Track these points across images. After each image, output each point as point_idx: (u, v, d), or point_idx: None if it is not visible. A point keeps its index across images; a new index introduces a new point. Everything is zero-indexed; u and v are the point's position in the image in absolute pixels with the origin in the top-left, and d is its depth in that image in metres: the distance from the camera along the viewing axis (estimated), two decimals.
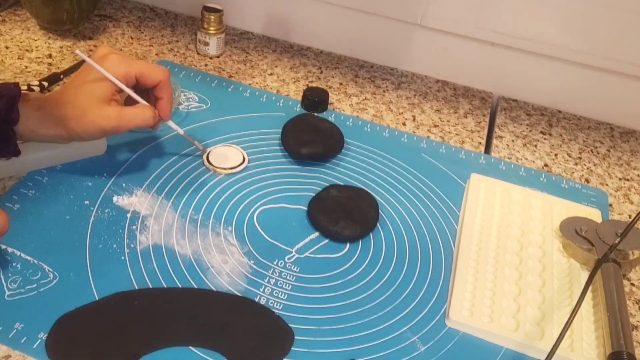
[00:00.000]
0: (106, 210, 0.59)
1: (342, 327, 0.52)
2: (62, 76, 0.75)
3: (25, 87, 0.69)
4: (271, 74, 0.85)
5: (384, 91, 0.86)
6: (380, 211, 0.63)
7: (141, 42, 0.87)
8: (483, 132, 0.80)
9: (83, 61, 0.57)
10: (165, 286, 0.53)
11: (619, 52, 0.80)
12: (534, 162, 0.77)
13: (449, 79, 0.90)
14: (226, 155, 0.67)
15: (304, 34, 0.93)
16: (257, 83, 0.82)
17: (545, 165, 0.77)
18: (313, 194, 0.64)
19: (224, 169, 0.66)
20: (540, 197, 0.68)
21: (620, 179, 0.76)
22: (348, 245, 0.60)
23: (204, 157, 0.67)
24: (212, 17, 0.83)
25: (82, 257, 0.54)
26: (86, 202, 0.60)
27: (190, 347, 0.48)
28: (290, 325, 0.52)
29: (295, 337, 0.51)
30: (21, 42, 0.82)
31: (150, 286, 0.53)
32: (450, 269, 0.60)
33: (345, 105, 0.81)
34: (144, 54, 0.85)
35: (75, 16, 0.83)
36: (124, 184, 0.62)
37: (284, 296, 0.54)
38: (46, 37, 0.85)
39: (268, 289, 0.55)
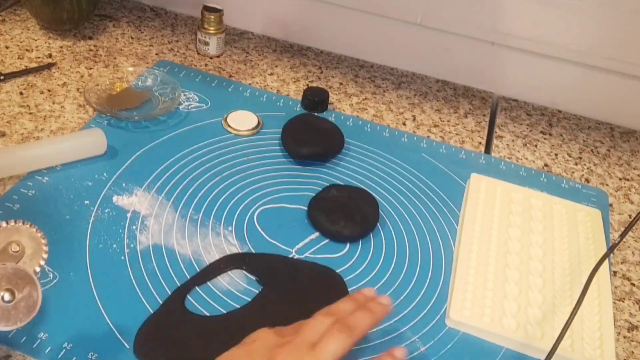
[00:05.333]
0: (106, 210, 0.59)
1: None
2: (1, 76, 0.74)
3: None
4: (271, 74, 0.85)
5: (384, 91, 0.86)
6: (380, 211, 0.63)
7: (141, 42, 0.87)
8: (483, 132, 0.80)
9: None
10: (166, 287, 0.53)
11: (619, 52, 0.80)
12: (534, 162, 0.77)
13: (449, 79, 0.90)
14: (242, 119, 0.72)
15: (304, 34, 0.93)
16: (257, 83, 0.82)
17: (546, 165, 0.77)
18: (313, 194, 0.64)
19: (242, 130, 0.71)
20: (540, 197, 0.68)
21: (620, 179, 0.76)
22: (348, 245, 0.60)
23: (223, 120, 0.72)
24: (212, 17, 0.83)
25: (82, 257, 0.54)
26: (86, 202, 0.60)
27: None
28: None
29: None
30: (21, 42, 0.82)
31: (151, 287, 0.53)
32: (450, 269, 0.60)
33: (345, 105, 0.81)
34: (144, 54, 0.85)
35: (75, 16, 0.83)
36: (124, 184, 0.62)
37: None
38: (46, 37, 0.85)
39: None
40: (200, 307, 0.52)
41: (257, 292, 0.54)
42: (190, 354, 0.48)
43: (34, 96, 0.73)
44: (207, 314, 0.51)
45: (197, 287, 0.53)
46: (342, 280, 0.56)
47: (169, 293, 0.52)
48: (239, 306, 0.52)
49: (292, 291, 0.54)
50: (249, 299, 0.53)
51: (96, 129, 0.66)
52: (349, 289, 0.55)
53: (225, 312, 0.52)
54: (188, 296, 0.52)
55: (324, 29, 0.91)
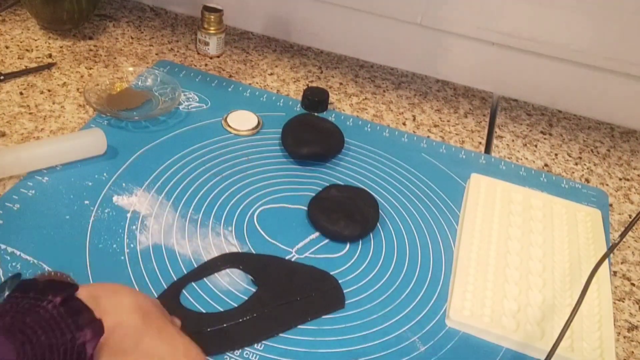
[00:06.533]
0: (106, 210, 0.59)
1: (342, 327, 0.52)
2: (1, 76, 0.74)
3: None
4: (271, 74, 0.85)
5: (384, 91, 0.86)
6: (380, 211, 0.63)
7: (141, 42, 0.87)
8: (483, 132, 0.80)
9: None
10: (165, 286, 0.53)
11: (619, 52, 0.80)
12: (534, 162, 0.77)
13: (449, 79, 0.90)
14: (242, 119, 0.73)
15: (304, 34, 0.93)
16: (257, 83, 0.82)
17: (546, 165, 0.77)
18: (313, 194, 0.64)
19: (242, 130, 0.71)
20: (540, 197, 0.68)
21: (620, 179, 0.76)
22: (348, 245, 0.60)
23: (223, 120, 0.72)
24: (212, 17, 0.83)
25: (82, 257, 0.54)
26: (86, 202, 0.60)
27: None
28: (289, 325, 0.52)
29: (295, 337, 0.51)
30: (21, 42, 0.82)
31: (151, 287, 0.53)
32: (450, 269, 0.60)
33: (345, 105, 0.81)
34: (144, 54, 0.85)
35: (76, 16, 0.83)
36: (124, 184, 0.62)
37: None
38: (46, 37, 0.85)
39: None
40: (197, 305, 0.52)
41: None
42: None
43: (34, 96, 0.73)
44: (204, 311, 0.51)
45: (195, 285, 0.53)
46: (338, 285, 0.55)
47: None
48: (236, 305, 0.52)
49: (287, 293, 0.54)
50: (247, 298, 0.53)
51: (96, 129, 0.66)
52: (349, 289, 0.56)
53: (221, 310, 0.52)
54: (186, 293, 0.52)
55: (324, 29, 0.91)
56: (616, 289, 0.61)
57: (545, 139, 0.81)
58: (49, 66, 0.78)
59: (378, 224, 0.62)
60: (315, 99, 0.77)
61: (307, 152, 0.68)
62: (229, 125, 0.72)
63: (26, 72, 0.76)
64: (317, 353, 0.50)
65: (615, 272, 0.63)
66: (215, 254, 0.57)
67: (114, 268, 0.54)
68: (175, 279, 0.54)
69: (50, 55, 0.81)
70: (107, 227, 0.57)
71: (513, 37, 0.83)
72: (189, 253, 0.56)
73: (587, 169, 0.77)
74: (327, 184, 0.65)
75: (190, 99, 0.76)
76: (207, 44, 0.85)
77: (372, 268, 0.58)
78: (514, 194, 0.68)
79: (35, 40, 0.84)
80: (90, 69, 0.80)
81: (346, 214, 0.61)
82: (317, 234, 0.61)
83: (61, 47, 0.83)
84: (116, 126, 0.70)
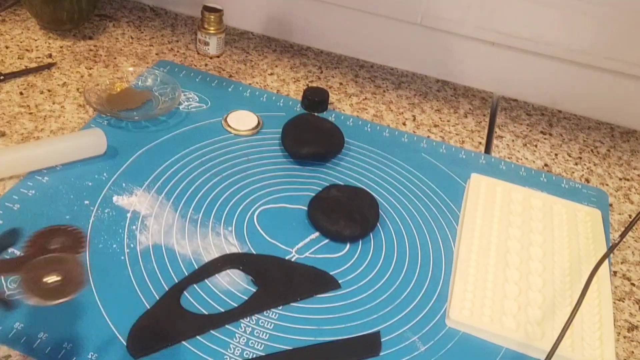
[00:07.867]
0: (106, 210, 0.59)
1: (342, 327, 0.52)
2: (1, 76, 0.74)
3: None
4: (271, 74, 0.85)
5: (384, 91, 0.86)
6: (380, 211, 0.63)
7: (141, 42, 0.87)
8: (483, 132, 0.80)
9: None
10: (166, 288, 0.53)
11: (619, 52, 0.80)
12: (534, 162, 0.77)
13: (449, 79, 0.90)
14: (242, 119, 0.73)
15: (304, 34, 0.93)
16: (257, 83, 0.82)
17: (546, 165, 0.77)
18: (313, 194, 0.64)
19: (242, 130, 0.71)
20: (540, 197, 0.68)
21: (620, 179, 0.76)
22: (348, 245, 0.60)
23: (223, 120, 0.72)
24: (212, 17, 0.83)
25: (82, 257, 0.54)
26: (86, 202, 0.60)
27: None
28: (289, 325, 0.52)
29: (295, 337, 0.51)
30: (21, 42, 0.82)
31: (150, 286, 0.53)
32: (450, 268, 0.60)
33: (345, 105, 0.81)
34: (144, 54, 0.85)
35: (75, 16, 0.83)
36: (124, 184, 0.62)
37: None
38: (46, 37, 0.85)
39: None
40: (198, 306, 0.52)
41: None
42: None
43: (34, 96, 0.73)
44: (205, 312, 0.51)
45: (196, 286, 0.53)
46: (338, 285, 0.56)
47: None
48: (236, 305, 0.52)
49: (287, 293, 0.54)
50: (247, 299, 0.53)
51: (96, 129, 0.66)
52: (349, 289, 0.56)
53: (222, 310, 0.52)
54: (187, 294, 0.52)
55: (324, 29, 0.91)
56: (616, 289, 0.61)
57: (545, 139, 0.81)
58: (49, 66, 0.78)
59: (378, 224, 0.62)
60: (315, 99, 0.77)
61: (307, 152, 0.68)
62: (229, 125, 0.72)
63: (26, 72, 0.76)
64: None
65: (615, 272, 0.63)
66: (215, 253, 0.57)
67: (114, 268, 0.54)
68: (175, 279, 0.54)
69: (50, 55, 0.81)
70: (107, 227, 0.57)
71: (513, 37, 0.83)
72: (189, 253, 0.56)
73: (587, 169, 0.77)
74: (327, 184, 0.65)
75: (190, 99, 0.76)
76: (207, 44, 0.85)
77: (372, 268, 0.58)
78: (514, 194, 0.68)
79: (35, 40, 0.84)
80: (90, 69, 0.80)
81: (346, 214, 0.61)
82: (317, 234, 0.61)
83: (61, 47, 0.83)
84: (116, 126, 0.70)
